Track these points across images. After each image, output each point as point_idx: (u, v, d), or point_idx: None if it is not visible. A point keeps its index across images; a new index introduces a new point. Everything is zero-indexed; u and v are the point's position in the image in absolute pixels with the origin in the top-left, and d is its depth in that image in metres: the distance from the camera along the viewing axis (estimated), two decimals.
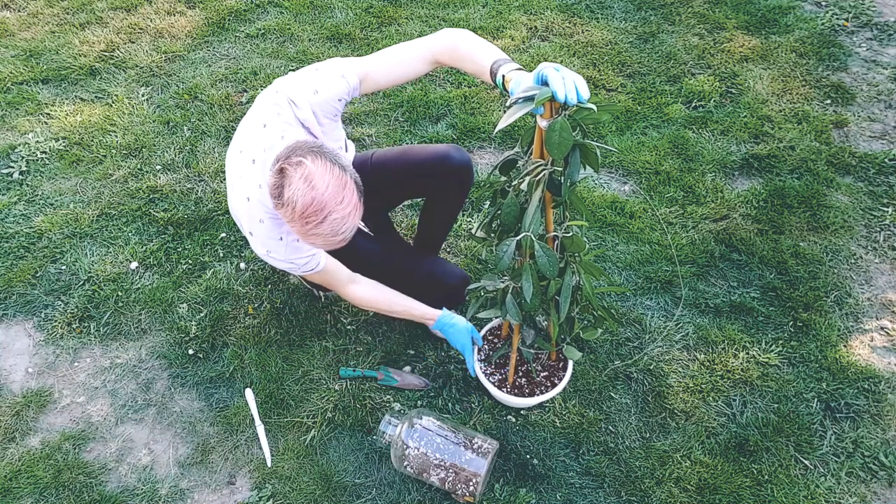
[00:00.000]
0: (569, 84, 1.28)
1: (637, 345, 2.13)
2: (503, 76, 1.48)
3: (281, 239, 1.66)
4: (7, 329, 2.21)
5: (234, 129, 2.83)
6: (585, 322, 1.82)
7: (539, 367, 1.95)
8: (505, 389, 1.90)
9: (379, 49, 1.72)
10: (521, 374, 1.94)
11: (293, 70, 3.09)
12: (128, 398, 2.04)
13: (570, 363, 1.91)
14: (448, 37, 1.63)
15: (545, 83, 1.32)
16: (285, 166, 1.45)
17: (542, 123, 1.34)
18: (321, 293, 2.24)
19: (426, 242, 2.14)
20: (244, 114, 2.87)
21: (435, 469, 1.75)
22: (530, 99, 1.32)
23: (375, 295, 1.92)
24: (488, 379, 1.91)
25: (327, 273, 1.81)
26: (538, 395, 1.87)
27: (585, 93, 1.28)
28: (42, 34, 3.34)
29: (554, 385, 1.89)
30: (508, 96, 1.42)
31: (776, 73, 3.03)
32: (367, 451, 1.91)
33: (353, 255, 1.93)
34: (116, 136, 2.81)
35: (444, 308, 1.96)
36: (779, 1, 3.41)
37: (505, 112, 1.38)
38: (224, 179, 2.63)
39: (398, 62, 1.66)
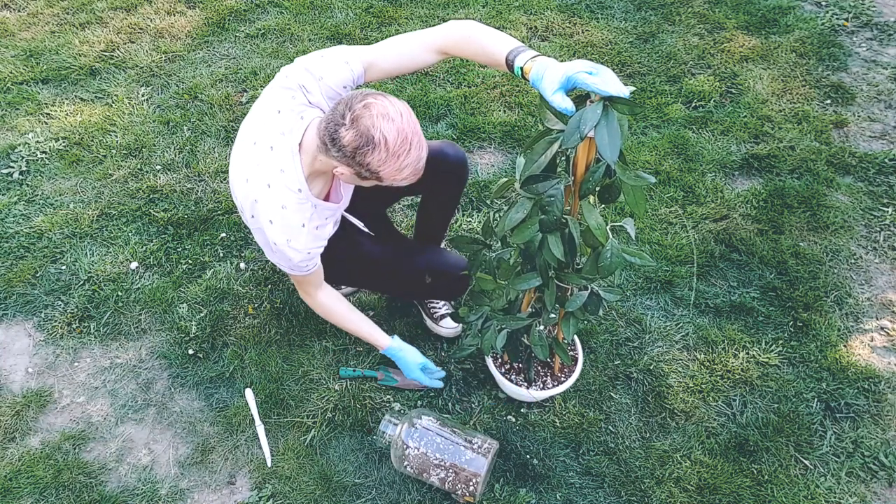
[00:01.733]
0: (615, 84, 1.24)
1: (637, 345, 2.13)
2: (521, 68, 1.44)
3: (303, 226, 1.65)
4: (7, 329, 2.21)
5: (235, 129, 2.83)
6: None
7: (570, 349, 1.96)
8: (538, 386, 1.91)
9: None
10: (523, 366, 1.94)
11: None
12: (128, 398, 2.04)
13: (581, 356, 1.93)
14: (455, 28, 1.61)
15: (573, 86, 1.29)
16: (358, 114, 1.46)
17: (594, 132, 1.28)
18: None
19: (425, 239, 2.14)
20: (245, 114, 2.89)
21: (435, 469, 1.75)
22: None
23: (333, 308, 1.93)
24: (527, 388, 1.90)
25: (311, 275, 1.82)
26: (560, 382, 1.90)
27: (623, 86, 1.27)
28: (42, 34, 3.34)
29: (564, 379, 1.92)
30: (528, 83, 1.40)
31: (776, 73, 3.03)
32: (367, 451, 1.91)
33: (354, 254, 1.93)
34: (116, 136, 2.81)
35: (396, 336, 1.97)
36: (779, 1, 3.41)
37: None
38: (224, 179, 2.63)
39: (405, 52, 1.65)
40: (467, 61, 3.12)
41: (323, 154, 1.55)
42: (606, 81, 1.24)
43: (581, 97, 1.33)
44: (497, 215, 1.50)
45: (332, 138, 1.49)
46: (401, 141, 1.47)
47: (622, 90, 1.23)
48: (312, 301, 1.92)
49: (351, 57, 1.63)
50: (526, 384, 1.90)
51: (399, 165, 1.50)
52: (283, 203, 1.62)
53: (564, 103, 1.29)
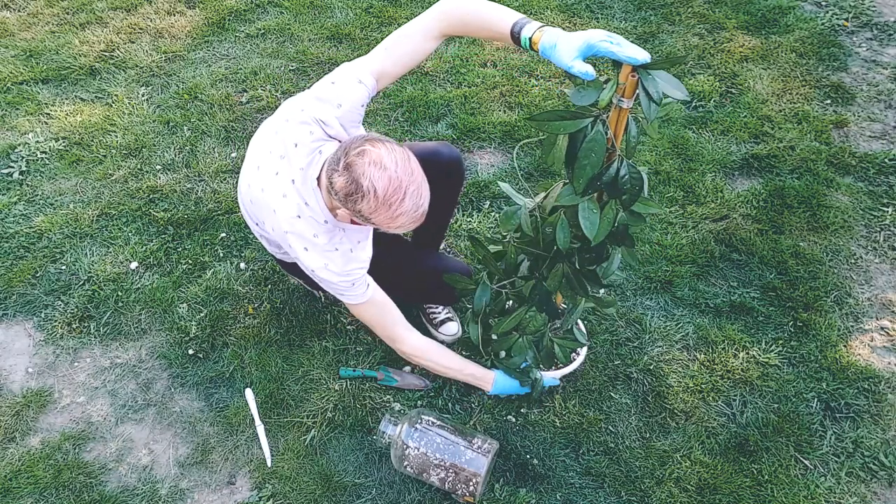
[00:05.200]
0: (636, 49, 1.25)
1: (637, 345, 2.13)
2: (529, 38, 1.42)
3: (336, 249, 1.67)
4: (7, 329, 2.21)
5: (235, 129, 2.84)
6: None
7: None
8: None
9: None
10: None
11: (292, 70, 3.11)
12: (128, 398, 2.04)
13: (585, 350, 1.95)
14: (451, 7, 1.58)
15: (593, 54, 1.30)
16: (350, 160, 1.47)
17: (627, 103, 1.31)
18: (321, 293, 2.24)
19: (425, 241, 2.14)
20: (245, 114, 2.90)
21: (435, 469, 1.75)
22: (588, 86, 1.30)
23: (430, 347, 1.87)
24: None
25: (377, 306, 1.78)
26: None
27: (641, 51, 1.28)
28: (42, 34, 3.34)
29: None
30: (537, 54, 1.41)
31: (776, 73, 3.03)
32: (367, 451, 1.91)
33: None
34: (116, 136, 2.81)
35: (495, 368, 1.93)
36: (779, 1, 3.41)
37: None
38: (224, 179, 2.63)
39: (408, 50, 1.63)
40: (467, 61, 3.12)
41: (328, 194, 1.57)
42: (628, 47, 1.26)
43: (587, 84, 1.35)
44: (503, 214, 1.51)
45: (329, 182, 1.52)
46: (392, 191, 1.46)
47: (644, 55, 1.25)
48: (407, 346, 1.84)
49: (361, 74, 1.63)
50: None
51: (391, 214, 1.49)
52: (314, 232, 1.65)
53: (584, 68, 1.31)
